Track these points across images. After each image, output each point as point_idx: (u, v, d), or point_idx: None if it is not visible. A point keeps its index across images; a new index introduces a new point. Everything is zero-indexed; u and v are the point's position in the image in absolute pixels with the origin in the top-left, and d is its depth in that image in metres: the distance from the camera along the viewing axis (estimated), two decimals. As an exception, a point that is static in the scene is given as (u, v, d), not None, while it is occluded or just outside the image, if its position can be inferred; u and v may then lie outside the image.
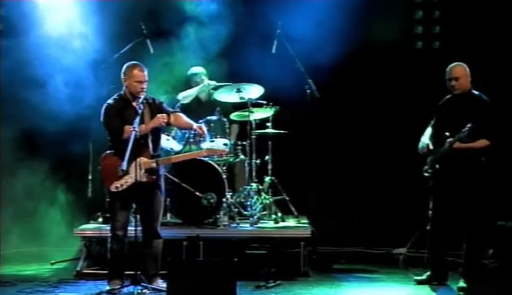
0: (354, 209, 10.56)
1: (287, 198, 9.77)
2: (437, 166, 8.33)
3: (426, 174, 8.44)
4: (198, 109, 9.98)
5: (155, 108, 8.14)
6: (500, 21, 10.36)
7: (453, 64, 8.42)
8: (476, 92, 8.38)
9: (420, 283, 8.49)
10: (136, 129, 7.77)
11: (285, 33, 9.89)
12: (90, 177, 9.83)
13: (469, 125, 8.05)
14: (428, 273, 8.50)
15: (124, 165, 7.69)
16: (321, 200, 10.05)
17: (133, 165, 7.84)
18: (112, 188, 7.96)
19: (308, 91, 9.79)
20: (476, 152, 8.23)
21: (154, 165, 7.99)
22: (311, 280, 8.77)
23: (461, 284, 8.24)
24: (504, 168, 10.23)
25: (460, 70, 8.36)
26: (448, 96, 8.50)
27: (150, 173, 7.98)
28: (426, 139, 8.49)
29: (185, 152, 9.50)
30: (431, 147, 8.38)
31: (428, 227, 8.49)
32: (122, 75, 8.11)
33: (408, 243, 9.10)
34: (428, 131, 8.54)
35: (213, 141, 9.55)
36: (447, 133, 8.22)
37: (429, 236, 8.51)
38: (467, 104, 8.30)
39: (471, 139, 8.14)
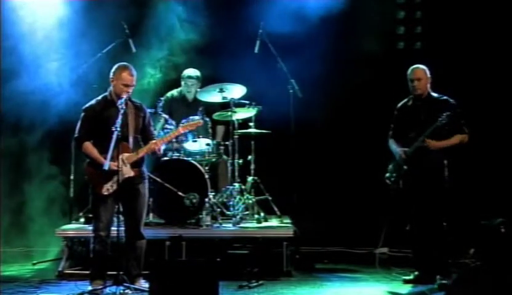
0: (337, 209, 10.57)
1: (270, 198, 9.78)
2: (405, 167, 8.41)
3: (389, 181, 8.55)
4: (184, 109, 9.99)
5: (142, 119, 8.12)
6: (481, 21, 10.41)
7: (414, 65, 8.60)
8: (435, 94, 8.52)
9: (407, 282, 8.52)
10: (118, 129, 7.75)
11: (268, 33, 9.90)
12: (72, 177, 9.78)
13: (446, 113, 8.17)
14: (416, 273, 8.54)
15: (106, 165, 7.68)
16: (304, 199, 10.04)
17: (119, 163, 7.81)
18: (104, 191, 7.93)
19: (291, 91, 9.81)
20: (441, 156, 8.33)
21: (136, 156, 7.97)
22: (293, 280, 8.78)
23: (439, 281, 8.31)
24: (487, 168, 10.30)
25: (421, 72, 8.54)
26: (406, 100, 8.63)
27: (135, 166, 7.98)
28: (396, 148, 8.57)
29: (166, 152, 9.51)
30: (405, 149, 8.46)
31: (408, 228, 8.55)
32: (111, 74, 8.08)
33: (380, 242, 9.15)
34: (392, 141, 8.64)
35: (195, 141, 9.57)
36: (413, 134, 8.37)
37: (411, 237, 8.55)
38: (430, 105, 8.43)
39: (445, 136, 8.30)
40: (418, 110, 8.50)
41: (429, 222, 8.39)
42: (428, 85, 8.55)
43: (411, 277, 8.54)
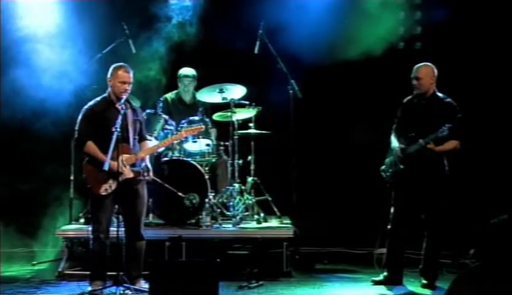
0: (337, 210, 10.57)
1: (270, 199, 9.79)
2: (401, 166, 8.40)
3: (385, 175, 8.52)
4: (183, 110, 9.99)
5: (137, 119, 8.13)
6: (481, 22, 10.40)
7: (420, 64, 8.51)
8: (441, 94, 8.46)
9: (376, 283, 8.51)
10: (118, 129, 7.76)
11: (268, 33, 9.90)
12: (72, 178, 9.77)
13: (447, 125, 8.12)
14: (385, 273, 8.53)
15: (107, 165, 7.68)
16: (303, 200, 10.05)
17: (118, 163, 7.81)
18: (102, 191, 7.93)
19: (291, 91, 9.81)
20: (441, 155, 8.32)
21: (135, 158, 7.97)
22: (293, 280, 8.78)
23: (424, 281, 8.39)
24: (489, 166, 10.32)
25: (422, 71, 8.45)
26: (410, 97, 8.60)
27: (134, 167, 7.98)
28: (396, 145, 8.53)
29: (167, 153, 9.52)
30: (402, 147, 8.43)
31: (389, 227, 8.54)
32: (108, 75, 8.11)
33: (376, 243, 9.14)
34: (394, 136, 8.61)
35: (195, 142, 9.57)
36: (413, 134, 8.32)
37: (390, 236, 8.54)
38: (433, 106, 8.36)
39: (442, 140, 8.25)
40: (421, 110, 8.43)
41: (430, 222, 8.37)
42: (432, 85, 8.44)
43: (380, 278, 8.53)
